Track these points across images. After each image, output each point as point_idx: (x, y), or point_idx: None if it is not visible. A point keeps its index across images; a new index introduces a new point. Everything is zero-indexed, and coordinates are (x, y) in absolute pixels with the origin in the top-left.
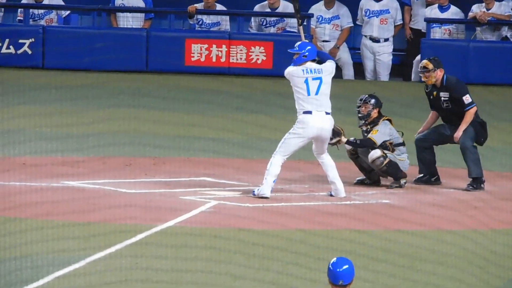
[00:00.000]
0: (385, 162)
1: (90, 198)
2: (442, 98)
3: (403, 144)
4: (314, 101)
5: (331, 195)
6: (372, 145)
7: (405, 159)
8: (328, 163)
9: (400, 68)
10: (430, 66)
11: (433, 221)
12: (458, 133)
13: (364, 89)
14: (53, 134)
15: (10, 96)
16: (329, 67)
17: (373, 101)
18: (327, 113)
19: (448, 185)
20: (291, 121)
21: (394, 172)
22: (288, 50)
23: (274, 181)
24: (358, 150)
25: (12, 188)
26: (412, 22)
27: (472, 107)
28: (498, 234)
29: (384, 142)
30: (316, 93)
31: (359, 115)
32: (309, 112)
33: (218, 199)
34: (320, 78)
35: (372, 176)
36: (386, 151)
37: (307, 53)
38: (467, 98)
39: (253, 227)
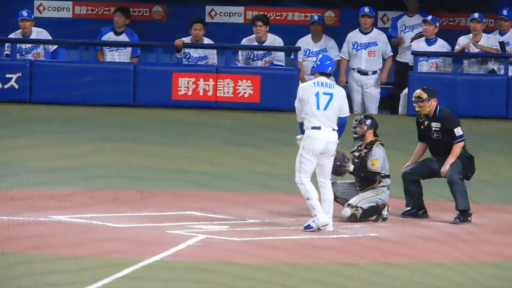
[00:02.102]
0: (359, 215)
1: (78, 232)
2: (433, 128)
3: (388, 176)
4: (322, 117)
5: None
6: (374, 177)
7: (383, 191)
8: (327, 197)
9: (388, 101)
10: (424, 96)
11: (421, 254)
12: (445, 167)
13: (351, 122)
14: (41, 167)
15: None
16: (345, 103)
17: (369, 121)
18: (333, 129)
19: (436, 218)
20: (278, 154)
21: (373, 214)
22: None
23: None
24: (337, 193)
25: None
26: (399, 55)
27: (461, 141)
28: (487, 267)
29: None
30: (325, 108)
31: (355, 135)
32: (318, 128)
33: (205, 233)
34: (331, 94)
35: None
36: (357, 200)
37: (316, 64)
38: (458, 131)
39: (240, 260)
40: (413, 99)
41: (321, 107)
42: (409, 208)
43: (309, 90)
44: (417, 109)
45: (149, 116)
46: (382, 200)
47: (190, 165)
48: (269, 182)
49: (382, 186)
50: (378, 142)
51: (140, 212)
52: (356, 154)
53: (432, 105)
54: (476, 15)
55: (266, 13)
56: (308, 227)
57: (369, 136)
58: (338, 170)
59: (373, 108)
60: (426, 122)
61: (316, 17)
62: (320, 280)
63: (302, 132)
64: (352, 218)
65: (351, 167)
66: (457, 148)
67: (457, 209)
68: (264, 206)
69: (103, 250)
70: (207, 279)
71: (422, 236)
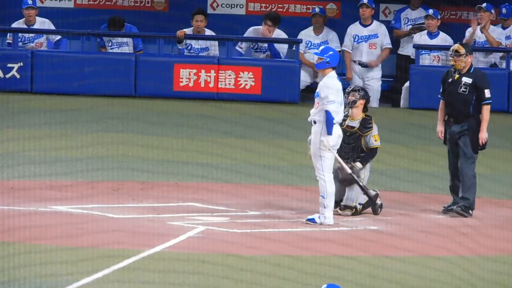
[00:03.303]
0: (359, 210)
1: (78, 223)
2: (463, 82)
3: None
4: (340, 112)
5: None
6: (376, 153)
7: (367, 168)
8: (329, 190)
9: (389, 94)
10: (462, 50)
11: (421, 247)
12: (483, 134)
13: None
14: (42, 158)
15: None
16: None
17: (362, 92)
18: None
19: (436, 212)
20: (279, 146)
21: (369, 206)
22: (313, 52)
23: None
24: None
25: None
26: (401, 48)
27: (489, 103)
28: (486, 261)
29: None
30: (342, 104)
31: (345, 101)
32: (334, 124)
33: (206, 225)
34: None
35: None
36: (354, 203)
37: (328, 59)
38: (488, 92)
39: (240, 252)
40: (450, 53)
41: (341, 103)
42: (452, 205)
43: (339, 88)
44: (452, 63)
45: (150, 107)
46: (364, 184)
47: (190, 157)
48: (269, 174)
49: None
50: (373, 120)
51: (141, 203)
52: (350, 131)
53: (467, 61)
54: (484, 4)
55: (267, 6)
56: (311, 220)
57: (360, 107)
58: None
59: (374, 101)
60: (457, 76)
61: (317, 10)
62: (319, 273)
63: (330, 132)
64: (354, 215)
65: (359, 165)
66: (486, 111)
67: (461, 195)
68: (264, 198)
69: (103, 241)
70: (207, 271)
71: (422, 229)
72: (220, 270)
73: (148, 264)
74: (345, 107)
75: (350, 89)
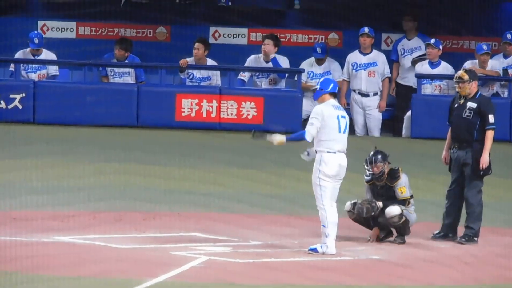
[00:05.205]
0: (402, 221)
1: (81, 253)
2: (468, 106)
3: (412, 195)
4: (341, 140)
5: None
6: (405, 204)
7: (413, 211)
8: (332, 219)
9: (391, 123)
10: (466, 77)
11: (424, 277)
12: (484, 157)
13: (355, 144)
14: (44, 188)
15: (0, 150)
16: None
17: (379, 157)
18: (345, 153)
19: (439, 240)
20: (281, 175)
21: (404, 229)
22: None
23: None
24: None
25: (2, 243)
26: (402, 79)
27: (493, 128)
28: None
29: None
30: (344, 131)
31: (374, 176)
32: (333, 152)
33: (208, 254)
34: (345, 117)
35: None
36: (402, 207)
37: (318, 86)
38: (492, 118)
39: (243, 282)
40: (454, 80)
41: (341, 130)
42: (442, 233)
43: (331, 113)
44: (457, 89)
45: (152, 137)
46: (412, 221)
47: (193, 186)
48: (271, 204)
49: (411, 206)
50: (400, 170)
51: (143, 233)
52: (379, 183)
53: (472, 87)
54: (484, 47)
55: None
56: (314, 250)
57: (387, 170)
58: (368, 212)
59: (375, 130)
60: (462, 101)
61: (319, 50)
62: None
63: (288, 138)
64: (395, 219)
65: (380, 204)
66: (489, 136)
67: (466, 225)
68: (266, 227)
69: (105, 271)
70: None
71: (425, 258)
72: None
73: None
74: (376, 180)
75: (369, 163)
